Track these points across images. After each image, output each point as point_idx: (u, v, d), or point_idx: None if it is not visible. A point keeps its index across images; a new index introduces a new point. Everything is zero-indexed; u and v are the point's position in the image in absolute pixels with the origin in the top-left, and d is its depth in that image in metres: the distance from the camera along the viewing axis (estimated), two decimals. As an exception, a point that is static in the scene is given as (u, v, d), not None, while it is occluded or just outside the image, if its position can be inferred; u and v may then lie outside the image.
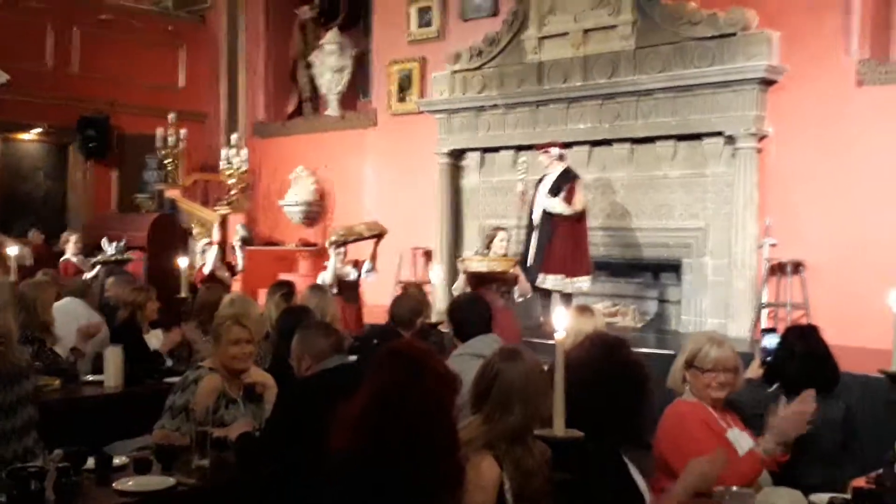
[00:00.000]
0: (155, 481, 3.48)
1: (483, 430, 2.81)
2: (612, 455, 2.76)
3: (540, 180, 8.58)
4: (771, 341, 4.30)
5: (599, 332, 3.34)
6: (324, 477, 2.61)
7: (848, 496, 3.06)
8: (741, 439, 3.44)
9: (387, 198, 11.68)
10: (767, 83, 8.30)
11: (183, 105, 13.29)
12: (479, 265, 7.09)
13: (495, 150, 10.38)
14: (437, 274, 6.48)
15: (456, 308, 4.74)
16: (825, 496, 3.08)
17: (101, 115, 12.89)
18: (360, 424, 2.47)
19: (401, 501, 2.45)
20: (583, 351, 2.84)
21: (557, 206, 8.14)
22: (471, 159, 10.71)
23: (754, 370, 4.41)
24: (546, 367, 2.88)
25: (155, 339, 6.29)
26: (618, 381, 2.80)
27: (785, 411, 3.37)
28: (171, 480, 3.48)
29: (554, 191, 8.28)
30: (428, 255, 11.01)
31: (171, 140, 12.11)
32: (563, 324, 2.31)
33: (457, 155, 10.76)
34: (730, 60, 8.37)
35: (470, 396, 2.94)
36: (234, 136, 12.57)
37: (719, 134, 8.50)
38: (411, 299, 6.01)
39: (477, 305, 4.70)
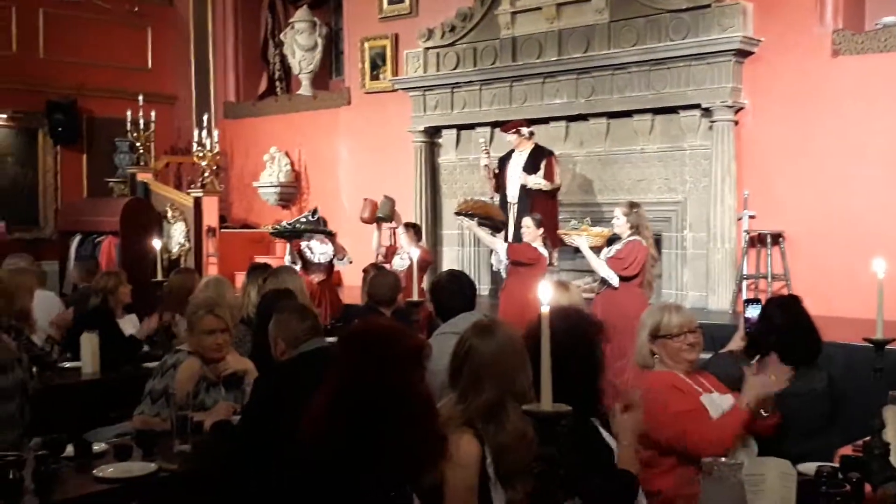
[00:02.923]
0: (136, 467, 3.44)
1: (459, 409, 2.80)
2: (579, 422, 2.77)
3: (506, 157, 8.60)
4: (754, 312, 4.27)
5: (559, 306, 3.33)
6: (298, 466, 2.56)
7: (836, 465, 3.05)
8: (718, 402, 3.48)
9: (363, 177, 11.59)
10: (743, 55, 8.28)
11: (152, 87, 13.09)
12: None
13: (471, 126, 10.31)
14: (415, 252, 6.42)
15: (437, 287, 4.69)
16: (813, 465, 3.07)
17: (69, 99, 12.68)
18: (328, 412, 2.41)
19: (382, 479, 2.39)
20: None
21: (539, 182, 8.20)
22: (447, 137, 10.65)
23: (737, 342, 4.40)
24: None
25: (129, 325, 6.23)
26: (574, 352, 2.87)
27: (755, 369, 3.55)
28: (152, 466, 3.45)
29: (530, 168, 8.32)
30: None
31: (141, 123, 11.95)
32: (547, 297, 2.27)
33: (432, 132, 10.70)
34: (704, 32, 8.34)
35: (447, 373, 2.92)
36: (204, 118, 12.42)
37: (696, 107, 8.49)
38: (389, 277, 5.97)
39: (458, 283, 4.66)
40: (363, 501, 2.36)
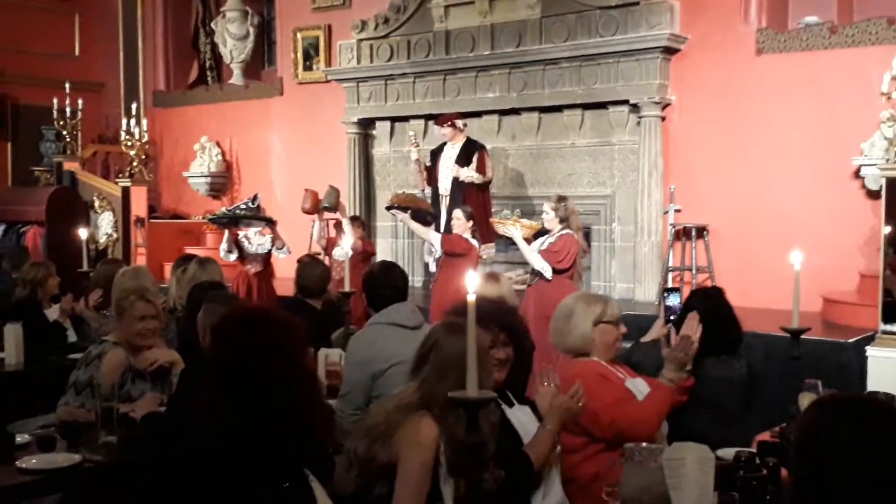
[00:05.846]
0: (60, 458, 3.39)
1: (419, 395, 2.85)
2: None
3: (437, 151, 8.66)
4: (674, 301, 4.37)
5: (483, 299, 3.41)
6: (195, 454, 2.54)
7: (753, 450, 3.15)
8: (640, 385, 3.60)
9: (296, 168, 11.53)
10: (670, 52, 8.45)
11: (79, 74, 12.81)
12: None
13: (405, 119, 10.32)
14: (348, 242, 6.42)
15: (370, 277, 4.69)
16: (731, 450, 3.16)
17: (-7, 86, 12.38)
18: (209, 400, 2.41)
19: (269, 464, 2.39)
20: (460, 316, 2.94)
21: (472, 175, 8.29)
22: (380, 128, 10.64)
23: (658, 330, 4.48)
24: None
25: (56, 316, 6.12)
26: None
27: (674, 342, 3.68)
28: (76, 457, 3.40)
29: (462, 161, 8.40)
30: (339, 225, 10.90)
31: (67, 111, 11.70)
32: (474, 287, 2.33)
33: (366, 124, 10.68)
34: (633, 29, 8.49)
35: (412, 361, 2.98)
36: (133, 106, 12.21)
37: (624, 102, 8.63)
38: (318, 268, 5.96)
39: (391, 274, 4.66)
40: (260, 484, 2.35)
